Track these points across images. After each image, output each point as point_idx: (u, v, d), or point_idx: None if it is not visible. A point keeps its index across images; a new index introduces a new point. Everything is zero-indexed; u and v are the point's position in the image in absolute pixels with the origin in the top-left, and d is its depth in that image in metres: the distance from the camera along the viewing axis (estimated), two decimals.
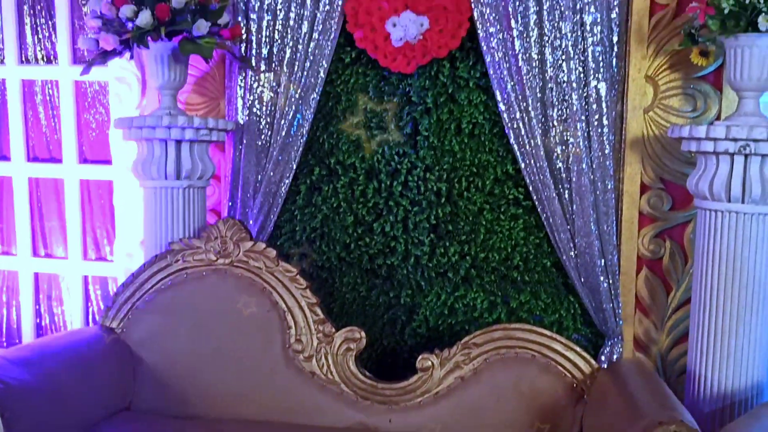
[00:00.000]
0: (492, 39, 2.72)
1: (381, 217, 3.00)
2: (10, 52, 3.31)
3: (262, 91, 2.94)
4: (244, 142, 2.96)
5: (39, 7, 3.32)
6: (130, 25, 2.62)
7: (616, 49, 2.67)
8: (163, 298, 2.71)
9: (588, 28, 2.64)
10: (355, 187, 3.00)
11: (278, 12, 2.88)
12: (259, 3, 2.89)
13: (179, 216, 2.80)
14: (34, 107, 3.41)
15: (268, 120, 2.94)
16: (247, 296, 2.65)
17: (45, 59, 3.35)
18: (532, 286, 2.89)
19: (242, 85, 2.96)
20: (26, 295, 3.56)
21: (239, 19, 2.91)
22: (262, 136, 2.95)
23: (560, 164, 2.71)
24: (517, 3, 2.68)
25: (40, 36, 3.35)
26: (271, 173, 2.93)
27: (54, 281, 3.57)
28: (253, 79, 2.93)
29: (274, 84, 2.92)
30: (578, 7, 2.64)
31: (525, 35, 2.69)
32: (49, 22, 3.32)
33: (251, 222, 2.98)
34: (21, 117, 3.37)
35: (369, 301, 3.03)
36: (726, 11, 2.17)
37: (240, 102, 2.97)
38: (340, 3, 2.82)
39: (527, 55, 2.69)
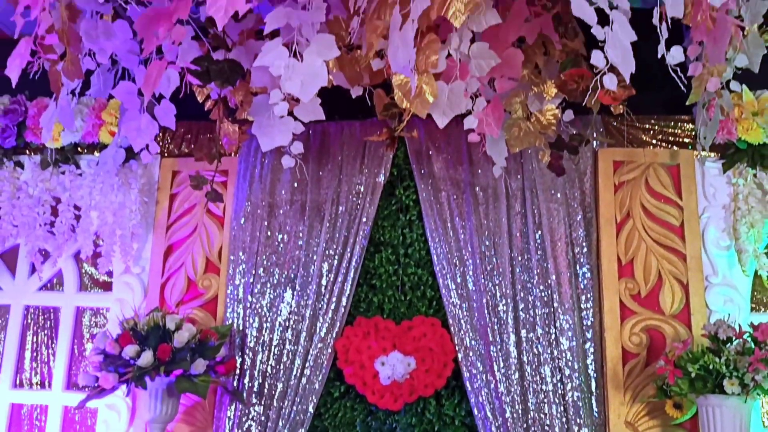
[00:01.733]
0: (476, 380, 2.86)
1: None
2: (6, 376, 3.36)
3: (250, 426, 2.97)
4: None
5: (42, 333, 3.47)
6: (131, 362, 2.74)
7: (595, 394, 2.80)
8: None
9: (567, 373, 2.80)
10: None
11: (273, 348, 3.03)
12: (254, 339, 3.06)
13: None
14: None
15: None
16: None
17: (39, 384, 3.41)
18: None
19: (231, 417, 3.00)
20: None
21: (235, 352, 3.04)
22: None
23: None
24: (499, 347, 2.86)
25: (38, 362, 3.44)
26: None
27: None
28: (243, 412, 2.98)
29: (263, 418, 2.96)
30: (555, 354, 2.83)
31: (507, 378, 2.83)
32: (50, 349, 3.44)
33: None
34: None
35: None
36: (693, 375, 2.34)
37: None
38: (331, 341, 2.99)
39: (510, 397, 2.81)
